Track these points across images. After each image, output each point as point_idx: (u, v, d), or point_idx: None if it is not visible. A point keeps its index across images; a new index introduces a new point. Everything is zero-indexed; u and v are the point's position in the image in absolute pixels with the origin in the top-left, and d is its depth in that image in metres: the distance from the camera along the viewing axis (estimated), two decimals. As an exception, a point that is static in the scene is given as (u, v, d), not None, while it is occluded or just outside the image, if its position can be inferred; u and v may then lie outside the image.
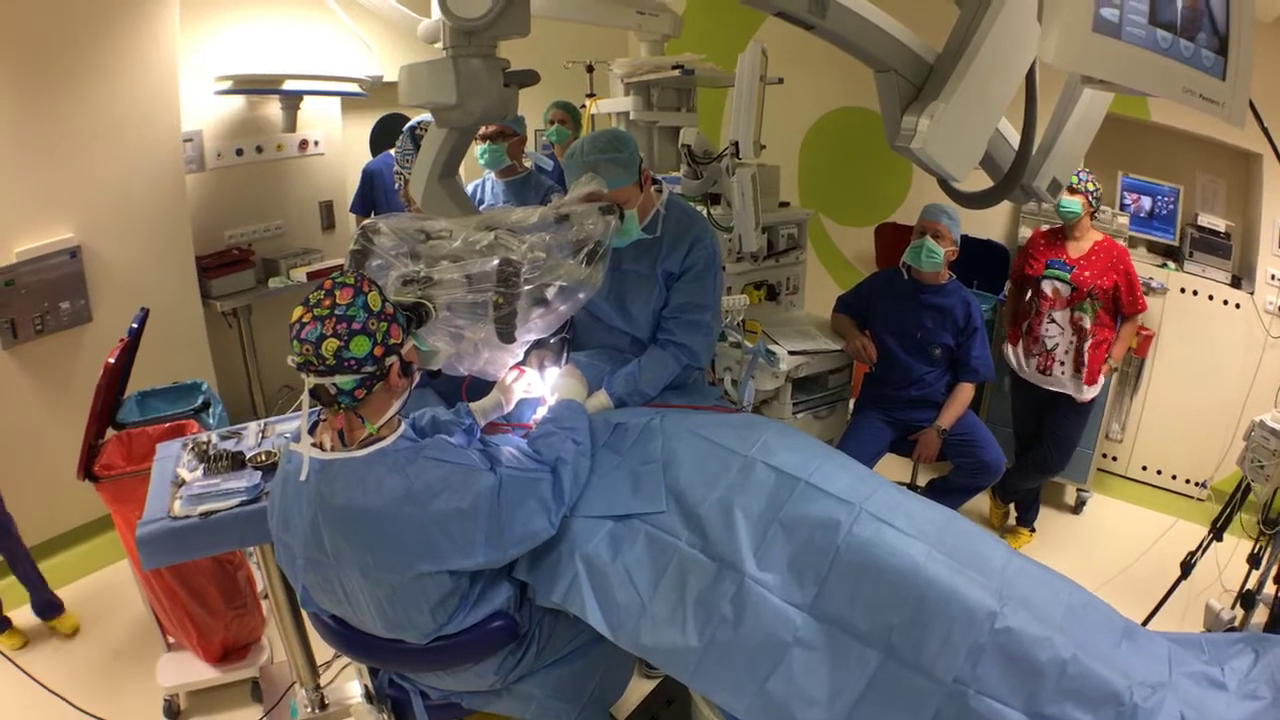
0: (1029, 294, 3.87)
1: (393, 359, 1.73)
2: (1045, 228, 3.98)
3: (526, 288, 1.91)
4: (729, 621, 1.79)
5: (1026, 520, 4.20)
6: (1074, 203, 3.65)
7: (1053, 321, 3.78)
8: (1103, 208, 4.42)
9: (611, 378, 2.44)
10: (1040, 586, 1.84)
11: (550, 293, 1.99)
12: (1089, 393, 3.79)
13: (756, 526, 1.87)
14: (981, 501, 4.23)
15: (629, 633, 1.85)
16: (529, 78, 2.00)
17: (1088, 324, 3.70)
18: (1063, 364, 3.78)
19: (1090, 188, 3.69)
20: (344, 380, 1.68)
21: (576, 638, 2.12)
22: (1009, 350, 3.98)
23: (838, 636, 1.76)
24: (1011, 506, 4.23)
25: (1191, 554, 3.02)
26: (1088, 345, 3.72)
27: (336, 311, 1.65)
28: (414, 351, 1.82)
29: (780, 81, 3.73)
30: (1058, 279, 3.76)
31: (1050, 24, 1.46)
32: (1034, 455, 3.99)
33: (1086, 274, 3.69)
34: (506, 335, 1.93)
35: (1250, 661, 1.89)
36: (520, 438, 2.16)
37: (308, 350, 1.65)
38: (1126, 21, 1.49)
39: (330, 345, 1.64)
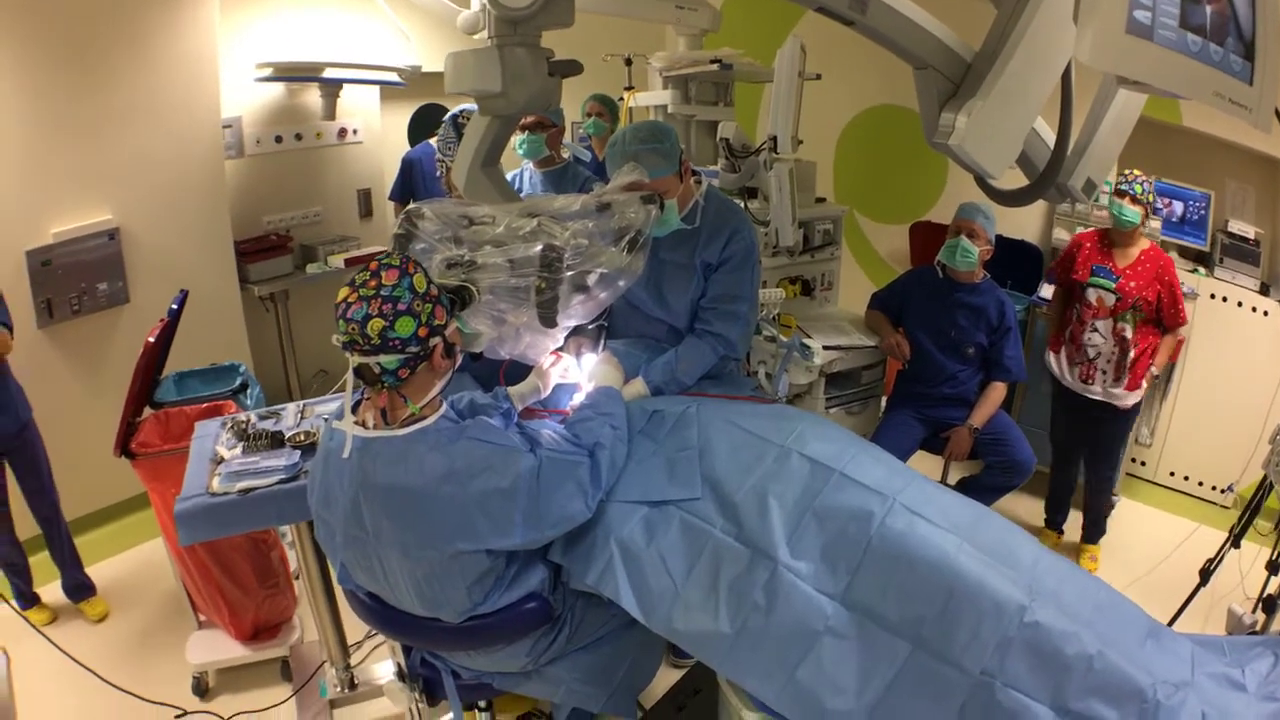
0: (1073, 300, 3.83)
1: (436, 340, 1.75)
2: (1090, 230, 3.90)
3: (568, 274, 1.93)
4: (761, 608, 1.81)
5: (1056, 523, 4.18)
6: (1134, 213, 3.55)
7: (1095, 330, 3.71)
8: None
9: (649, 366, 2.46)
10: (1069, 583, 1.84)
11: (591, 279, 2.00)
12: (1130, 399, 3.73)
13: (791, 515, 1.89)
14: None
15: (662, 617, 1.87)
16: (573, 68, 2.01)
17: (1130, 334, 3.65)
18: (1104, 373, 3.73)
19: (1151, 199, 3.60)
20: (388, 360, 1.70)
21: (608, 623, 2.14)
22: (1051, 358, 3.92)
23: (868, 626, 1.77)
24: (1042, 507, 4.21)
25: (1210, 561, 3.01)
26: (1129, 355, 3.66)
27: (382, 292, 1.68)
28: (457, 333, 1.85)
29: (818, 77, 3.73)
30: (1103, 287, 3.68)
31: (1085, 25, 1.49)
32: (1088, 475, 3.98)
33: (1132, 284, 3.62)
34: (548, 320, 1.95)
35: (1270, 664, 1.91)
36: (558, 423, 2.19)
37: (353, 329, 1.67)
38: (1159, 24, 1.52)
39: (375, 325, 1.66)
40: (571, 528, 1.92)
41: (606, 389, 2.26)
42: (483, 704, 2.37)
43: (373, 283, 1.69)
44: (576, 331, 2.44)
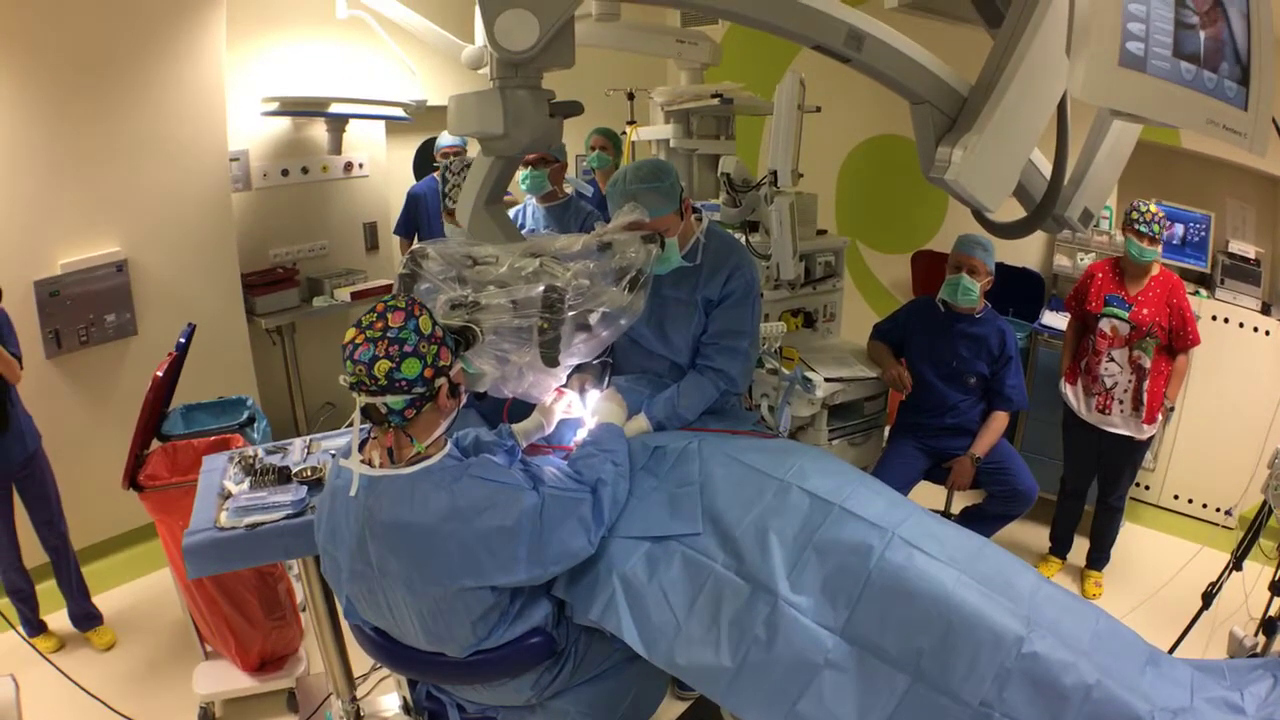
0: (1087, 331, 3.83)
1: (441, 380, 1.78)
2: (1103, 259, 3.89)
3: (570, 314, 1.96)
4: (762, 642, 1.83)
5: (1060, 552, 4.19)
6: (1153, 252, 3.58)
7: (1111, 360, 3.73)
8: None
9: (651, 402, 2.48)
10: (1068, 613, 1.86)
11: (593, 318, 2.04)
12: (1148, 431, 3.75)
13: (791, 550, 1.91)
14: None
15: (663, 651, 1.89)
16: (574, 108, 2.05)
17: (1146, 363, 3.66)
18: (1121, 402, 3.73)
19: (1164, 234, 3.61)
20: (394, 400, 1.73)
21: (611, 656, 2.15)
22: (1067, 390, 3.92)
23: (868, 659, 1.79)
24: (1047, 534, 4.22)
25: (1213, 584, 3.01)
26: (1146, 384, 3.67)
27: (389, 334, 1.71)
28: (461, 373, 1.88)
29: (818, 110, 3.77)
30: (1117, 317, 3.69)
31: (1077, 58, 1.50)
32: (1100, 502, 3.98)
33: (1145, 311, 3.64)
34: (551, 359, 1.97)
35: (1269, 686, 1.91)
36: (561, 459, 2.21)
37: (360, 370, 1.71)
38: (1151, 55, 1.53)
39: (382, 366, 1.70)
40: (575, 564, 1.95)
41: (609, 426, 2.29)
42: (489, 736, 2.39)
43: (379, 324, 1.73)
44: (581, 368, 2.48)
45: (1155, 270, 3.70)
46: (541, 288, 1.90)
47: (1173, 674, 1.87)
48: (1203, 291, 4.33)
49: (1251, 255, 4.27)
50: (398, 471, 1.82)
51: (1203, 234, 4.38)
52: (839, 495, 1.98)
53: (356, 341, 1.73)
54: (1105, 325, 3.73)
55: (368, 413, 1.77)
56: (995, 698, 1.70)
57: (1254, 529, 2.91)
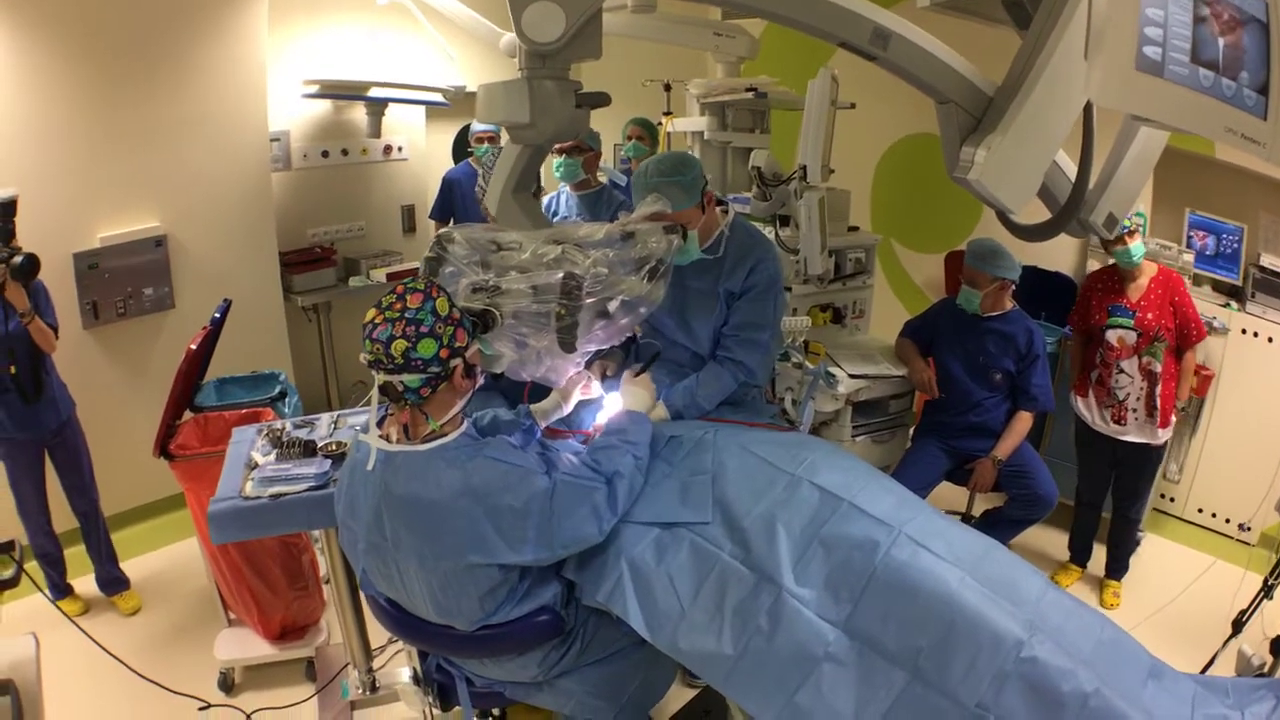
0: (1094, 344, 3.80)
1: (457, 361, 1.83)
2: (1097, 270, 3.85)
3: (589, 301, 1.99)
4: (764, 632, 1.85)
5: (1080, 560, 4.15)
6: (1139, 247, 3.54)
7: (1122, 372, 3.69)
8: (1168, 244, 4.38)
9: (670, 390, 2.51)
10: (1072, 620, 1.85)
11: (612, 306, 2.07)
12: (1163, 435, 3.72)
13: (798, 542, 1.93)
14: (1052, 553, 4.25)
15: (667, 636, 1.92)
16: (600, 100, 2.09)
17: (1157, 368, 3.62)
18: (1135, 411, 3.69)
19: (1143, 223, 3.55)
20: (410, 379, 1.79)
21: (620, 639, 2.18)
22: (1078, 403, 3.88)
23: (867, 655, 1.80)
24: (1066, 541, 4.19)
25: (1243, 612, 2.92)
26: (1159, 388, 3.63)
27: (406, 315, 1.77)
28: (478, 355, 1.92)
29: (852, 106, 3.78)
30: (1122, 327, 3.66)
31: (1094, 62, 1.50)
32: (1116, 513, 3.95)
33: (1149, 315, 3.60)
34: (568, 345, 2.01)
35: (1270, 707, 1.89)
36: (580, 443, 2.24)
37: (378, 349, 1.77)
38: (1169, 60, 1.52)
39: (399, 346, 1.75)
40: (583, 549, 1.98)
41: (636, 415, 2.30)
42: (496, 712, 2.44)
43: (398, 305, 1.78)
44: (604, 353, 2.51)
45: (1153, 270, 3.67)
46: (560, 275, 1.94)
47: (1175, 688, 1.86)
48: (1233, 304, 4.27)
49: (1283, 270, 4.21)
50: (414, 448, 1.87)
51: (1235, 245, 4.31)
52: (848, 491, 1.99)
53: (376, 321, 1.78)
54: (1112, 337, 3.68)
55: (385, 390, 1.83)
56: (992, 700, 1.69)
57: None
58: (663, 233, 2.16)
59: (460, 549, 1.86)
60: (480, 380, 1.96)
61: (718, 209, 2.58)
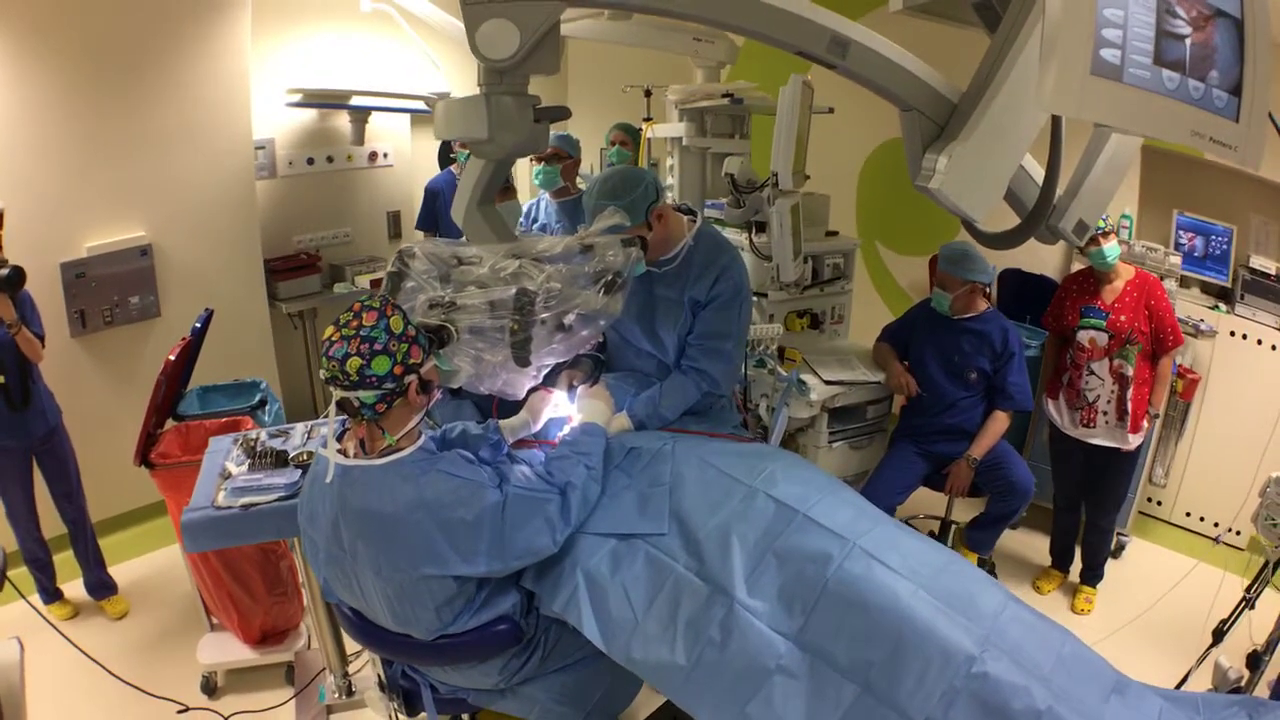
0: (1067, 347, 3.80)
1: (411, 377, 1.86)
2: (1073, 272, 3.85)
3: (544, 315, 2.01)
4: (716, 643, 1.86)
5: (1061, 565, 4.16)
6: (1114, 249, 3.54)
7: (1092, 373, 3.69)
8: (1155, 246, 4.38)
9: (634, 400, 2.53)
10: (1032, 635, 1.82)
11: (569, 319, 2.09)
12: (1134, 441, 3.70)
13: (751, 554, 1.94)
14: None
15: (621, 646, 1.94)
16: (559, 113, 2.10)
17: (1129, 371, 3.62)
18: (1105, 414, 3.69)
19: (1116, 225, 3.54)
20: (366, 395, 1.82)
21: (581, 648, 2.19)
22: (1049, 405, 3.89)
23: (819, 667, 1.80)
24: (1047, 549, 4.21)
25: (1224, 621, 2.91)
26: (1130, 392, 3.63)
27: (361, 333, 1.80)
28: (434, 370, 1.95)
29: (830, 111, 3.78)
30: (1094, 328, 3.66)
31: (1047, 67, 1.43)
32: (1088, 520, 3.95)
33: (1123, 318, 3.60)
34: (521, 360, 2.03)
35: None
36: (543, 456, 2.26)
37: (334, 366, 1.80)
38: (1129, 63, 1.44)
39: (354, 363, 1.79)
40: (538, 560, 2.01)
41: (589, 426, 2.32)
42: (465, 717, 2.46)
43: (354, 323, 1.82)
44: (572, 364, 2.53)
45: (1130, 274, 3.66)
46: (514, 290, 1.96)
47: (1139, 704, 1.83)
48: (1222, 306, 4.28)
49: (1273, 271, 4.18)
50: (370, 462, 1.90)
51: (1224, 247, 4.31)
52: (804, 503, 1.99)
53: (333, 339, 1.82)
54: (1084, 338, 3.69)
55: (343, 406, 1.86)
56: (941, 716, 1.68)
57: (1267, 568, 2.81)
58: (621, 246, 2.18)
59: (414, 561, 1.89)
60: (437, 395, 1.98)
61: (685, 218, 2.59)
